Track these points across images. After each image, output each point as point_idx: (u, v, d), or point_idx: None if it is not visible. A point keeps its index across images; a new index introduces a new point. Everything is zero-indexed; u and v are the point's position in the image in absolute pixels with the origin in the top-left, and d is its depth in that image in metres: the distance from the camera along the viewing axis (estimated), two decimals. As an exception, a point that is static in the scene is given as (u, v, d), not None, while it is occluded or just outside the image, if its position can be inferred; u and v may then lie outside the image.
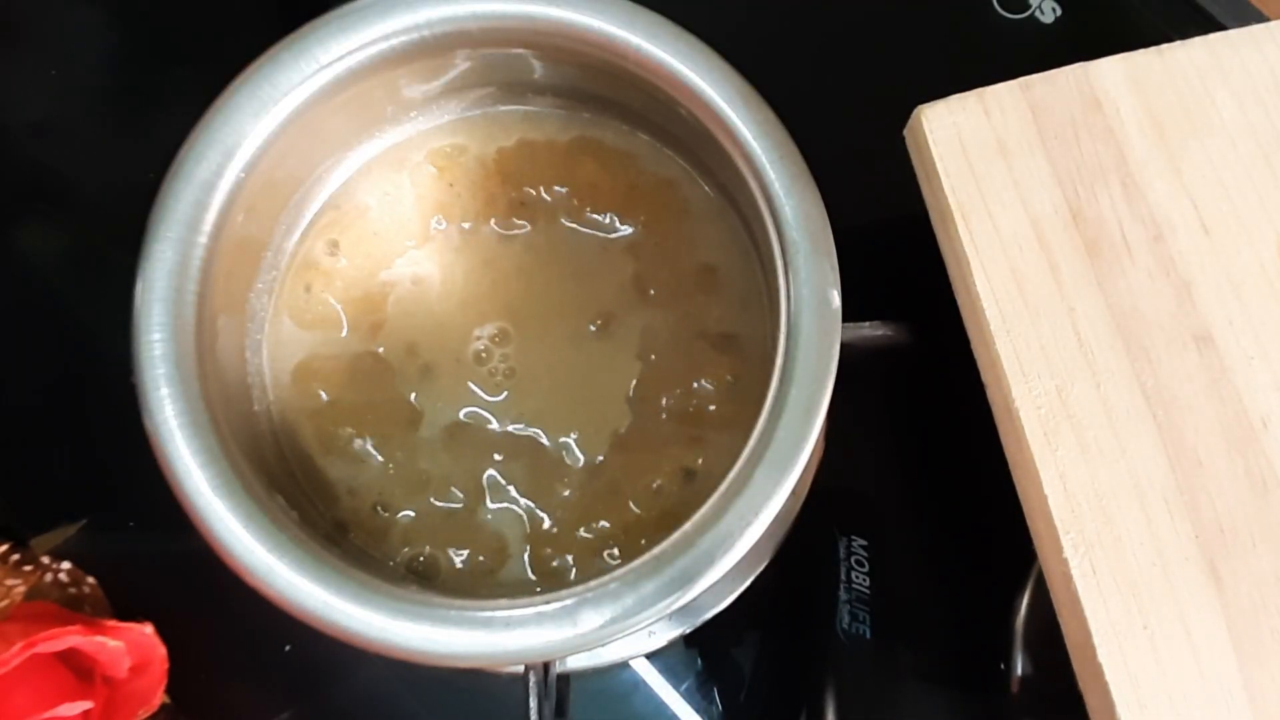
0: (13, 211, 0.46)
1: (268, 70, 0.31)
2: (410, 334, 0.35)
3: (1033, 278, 0.32)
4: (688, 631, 0.40)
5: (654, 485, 0.34)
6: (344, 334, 0.35)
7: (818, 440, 0.29)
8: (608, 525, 0.34)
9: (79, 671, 0.38)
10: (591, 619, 0.27)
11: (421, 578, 0.33)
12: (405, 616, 0.28)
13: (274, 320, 0.35)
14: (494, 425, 0.35)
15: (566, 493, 0.34)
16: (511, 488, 0.34)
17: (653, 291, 0.35)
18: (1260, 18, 0.45)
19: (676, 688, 0.41)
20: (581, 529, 0.34)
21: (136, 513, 0.43)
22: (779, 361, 0.29)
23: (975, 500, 0.40)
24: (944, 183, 0.33)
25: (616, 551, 0.33)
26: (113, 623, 0.38)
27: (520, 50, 0.33)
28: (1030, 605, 0.39)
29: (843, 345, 0.29)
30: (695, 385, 0.35)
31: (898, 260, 0.42)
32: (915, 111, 0.34)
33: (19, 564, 0.41)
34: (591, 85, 0.34)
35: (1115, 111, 0.33)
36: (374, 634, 0.27)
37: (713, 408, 0.34)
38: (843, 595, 0.40)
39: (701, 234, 0.36)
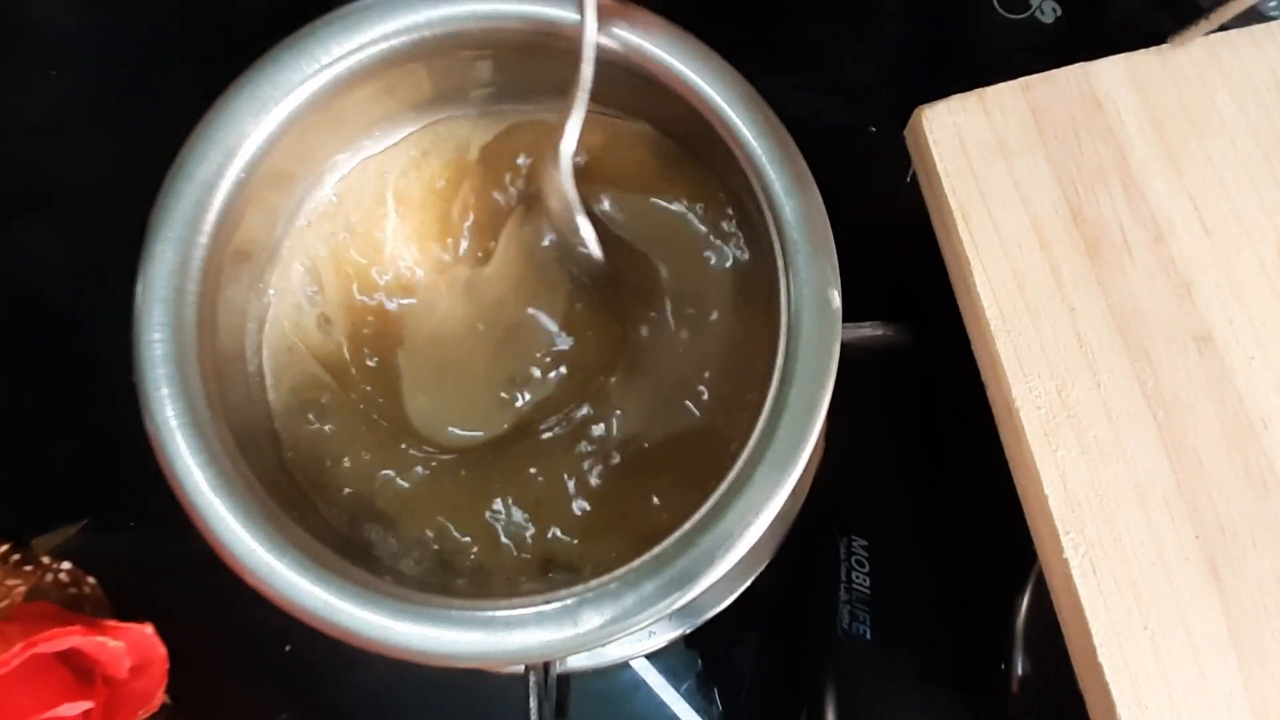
0: (13, 211, 0.46)
1: (268, 70, 0.31)
2: (411, 333, 0.35)
3: (1033, 278, 0.32)
4: (688, 631, 0.40)
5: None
6: (344, 334, 0.35)
7: (818, 440, 0.29)
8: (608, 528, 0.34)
9: (79, 671, 0.38)
10: (591, 619, 0.27)
11: (419, 575, 0.33)
12: (405, 616, 0.28)
13: (274, 320, 0.35)
14: (492, 417, 0.35)
15: (571, 491, 0.34)
16: (511, 488, 0.34)
17: (653, 291, 0.35)
18: (1260, 18, 0.45)
19: (676, 688, 0.41)
20: (581, 530, 0.34)
21: (136, 513, 0.43)
22: (779, 361, 0.29)
23: (975, 500, 0.40)
24: (944, 183, 0.33)
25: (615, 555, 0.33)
26: (113, 623, 0.38)
27: (521, 50, 0.33)
28: (1030, 605, 0.39)
29: (843, 345, 0.29)
30: (698, 384, 0.35)
31: (898, 260, 0.42)
32: (915, 111, 0.34)
33: (19, 564, 0.41)
34: (592, 85, 0.34)
35: (1115, 111, 0.33)
36: (374, 634, 0.27)
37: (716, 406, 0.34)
38: (843, 595, 0.40)
39: (702, 234, 0.36)
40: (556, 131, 0.31)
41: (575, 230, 0.33)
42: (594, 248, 0.33)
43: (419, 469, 0.34)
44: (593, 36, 0.30)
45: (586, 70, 0.30)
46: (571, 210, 0.32)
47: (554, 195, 0.33)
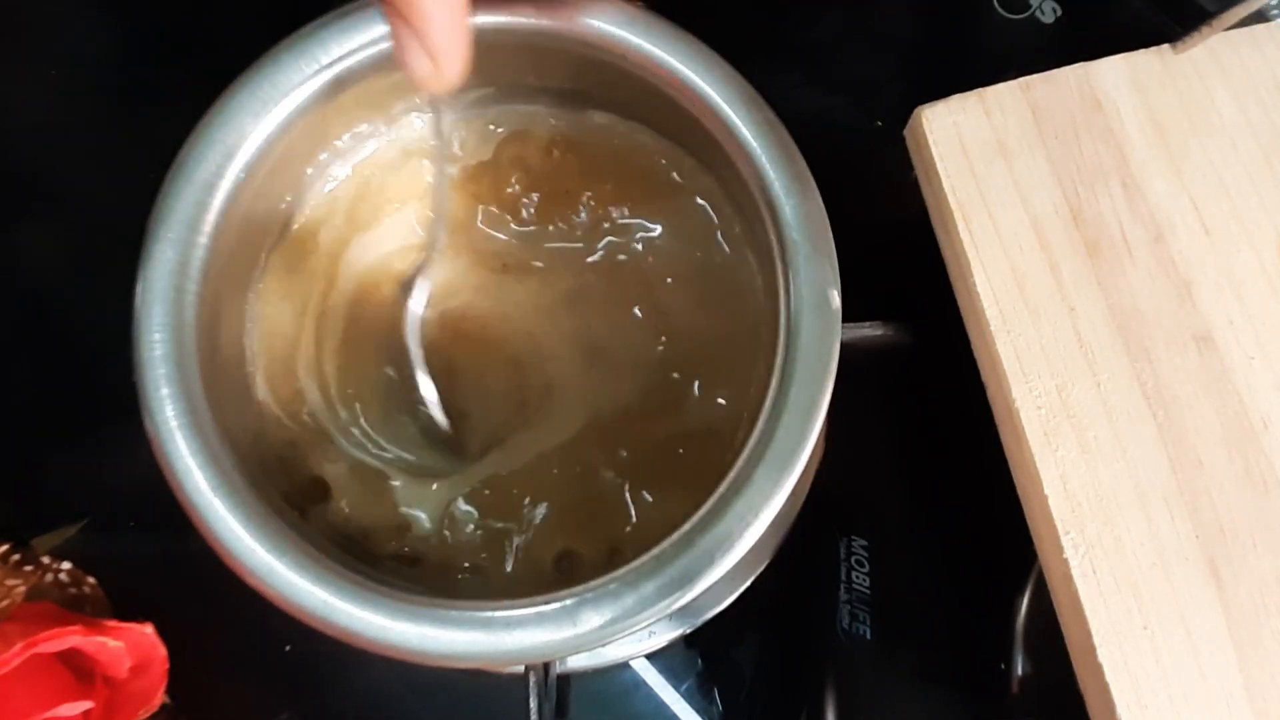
0: (13, 211, 0.47)
1: (268, 70, 0.31)
2: (410, 333, 0.35)
3: (1033, 278, 0.32)
4: (688, 631, 0.40)
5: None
6: (344, 333, 0.35)
7: (818, 440, 0.29)
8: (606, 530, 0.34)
9: (79, 671, 0.38)
10: (591, 619, 0.27)
11: (416, 574, 0.33)
12: (405, 616, 0.27)
13: (274, 319, 0.35)
14: (488, 419, 0.35)
15: (570, 493, 0.34)
16: (510, 486, 0.34)
17: (654, 290, 0.35)
18: (1260, 18, 0.45)
19: (676, 688, 0.41)
20: (578, 535, 0.34)
21: (136, 513, 0.43)
22: (779, 361, 0.29)
23: (975, 500, 0.40)
24: (944, 183, 0.33)
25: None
26: (113, 623, 0.38)
27: (520, 50, 0.33)
28: (1030, 605, 0.39)
29: (843, 345, 0.29)
30: (695, 382, 0.35)
31: (898, 260, 0.42)
32: (915, 111, 0.34)
33: (19, 564, 0.41)
34: (591, 86, 0.34)
35: (1115, 111, 0.33)
36: (374, 634, 0.27)
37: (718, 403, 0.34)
38: (843, 595, 0.40)
39: (702, 233, 0.36)
40: (408, 278, 0.31)
41: (415, 388, 0.33)
42: (437, 414, 0.33)
43: (418, 463, 0.34)
44: (443, 212, 0.30)
45: (440, 235, 0.31)
46: (414, 368, 0.32)
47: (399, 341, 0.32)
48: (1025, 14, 0.46)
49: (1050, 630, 0.31)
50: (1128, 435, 0.30)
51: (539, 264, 0.36)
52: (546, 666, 0.34)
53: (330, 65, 0.31)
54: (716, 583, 0.28)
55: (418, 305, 0.31)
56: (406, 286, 0.31)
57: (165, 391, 0.29)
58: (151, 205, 0.30)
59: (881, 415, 0.44)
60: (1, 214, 0.46)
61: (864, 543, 0.41)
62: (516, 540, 0.34)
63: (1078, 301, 0.31)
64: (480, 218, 0.36)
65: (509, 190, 0.36)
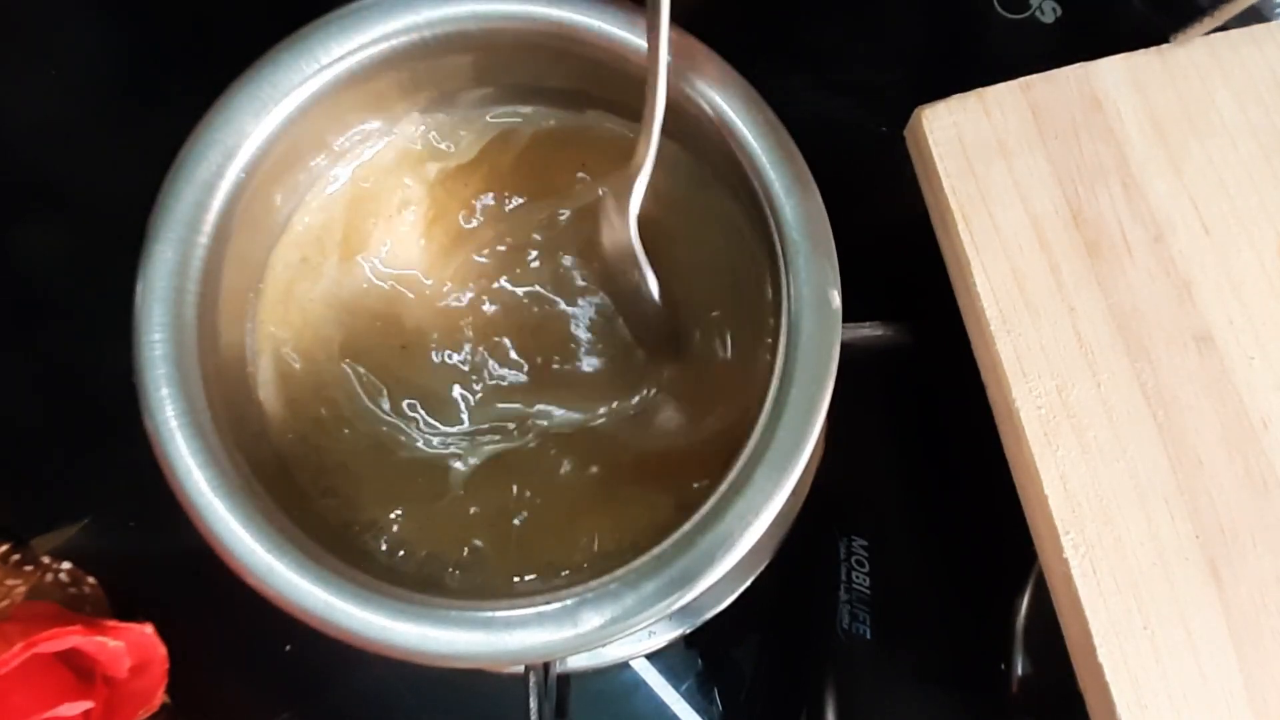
0: (13, 211, 0.47)
1: (268, 70, 0.31)
2: (409, 332, 0.35)
3: (1033, 278, 0.32)
4: (688, 631, 0.40)
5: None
6: (343, 333, 0.35)
7: (818, 440, 0.29)
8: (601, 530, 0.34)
9: (79, 671, 0.38)
10: (591, 619, 0.27)
11: (416, 571, 0.33)
12: (405, 616, 0.28)
13: (274, 320, 0.35)
14: (489, 424, 0.35)
15: (563, 491, 0.34)
16: (511, 486, 0.34)
17: (652, 289, 0.35)
18: (1260, 18, 0.45)
19: (676, 688, 0.41)
20: (574, 527, 0.34)
21: (136, 513, 0.43)
22: (779, 361, 0.29)
23: (975, 500, 0.40)
24: (944, 183, 0.33)
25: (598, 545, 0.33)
26: (113, 623, 0.38)
27: (520, 50, 0.33)
28: (1030, 605, 0.39)
29: (843, 345, 0.29)
30: (696, 382, 0.35)
31: (898, 260, 0.42)
32: (915, 111, 0.34)
33: (19, 564, 0.41)
34: (592, 86, 0.34)
35: (1115, 111, 0.33)
36: (374, 634, 0.27)
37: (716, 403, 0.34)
38: (843, 595, 0.40)
39: (702, 235, 0.36)
40: (623, 185, 0.31)
41: (636, 285, 0.33)
42: (655, 297, 0.33)
43: (417, 461, 0.34)
44: (660, 106, 0.29)
45: (654, 132, 0.30)
46: (636, 264, 0.32)
47: (613, 244, 0.33)
48: (1025, 14, 0.46)
49: (1050, 630, 0.31)
50: (1128, 435, 0.30)
51: (534, 254, 0.36)
52: (546, 666, 0.34)
53: (330, 65, 0.31)
54: (716, 583, 0.28)
55: (636, 205, 0.31)
56: (621, 192, 0.31)
57: (165, 391, 0.29)
58: (151, 205, 0.30)
59: (881, 415, 0.44)
60: (2, 214, 0.46)
61: (864, 543, 0.41)
62: (515, 529, 0.34)
63: (1078, 301, 0.31)
64: (468, 211, 0.36)
65: (499, 185, 0.36)
